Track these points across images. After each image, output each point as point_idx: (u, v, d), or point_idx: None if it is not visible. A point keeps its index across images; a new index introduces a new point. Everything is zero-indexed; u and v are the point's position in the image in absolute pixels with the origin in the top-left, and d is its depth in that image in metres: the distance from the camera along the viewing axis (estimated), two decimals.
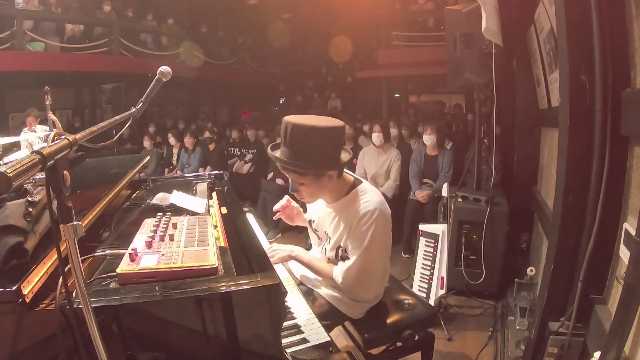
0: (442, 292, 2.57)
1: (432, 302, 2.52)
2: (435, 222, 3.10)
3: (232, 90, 11.10)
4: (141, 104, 1.23)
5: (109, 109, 4.19)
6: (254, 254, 1.19)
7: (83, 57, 6.82)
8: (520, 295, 2.45)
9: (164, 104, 9.87)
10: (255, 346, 0.99)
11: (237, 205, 1.74)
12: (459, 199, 2.97)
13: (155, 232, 1.15)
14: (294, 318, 1.31)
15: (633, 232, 1.20)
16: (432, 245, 2.65)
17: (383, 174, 4.01)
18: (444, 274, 2.57)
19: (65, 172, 0.70)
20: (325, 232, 1.58)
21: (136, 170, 1.99)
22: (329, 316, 1.51)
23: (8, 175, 0.55)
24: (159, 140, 6.50)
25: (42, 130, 4.23)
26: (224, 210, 1.64)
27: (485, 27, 2.34)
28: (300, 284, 1.67)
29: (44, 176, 0.68)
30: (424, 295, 2.58)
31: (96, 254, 1.13)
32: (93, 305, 0.76)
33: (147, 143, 5.58)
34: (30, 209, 1.02)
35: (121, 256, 1.01)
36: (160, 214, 1.33)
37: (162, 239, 1.12)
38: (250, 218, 2.02)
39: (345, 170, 1.50)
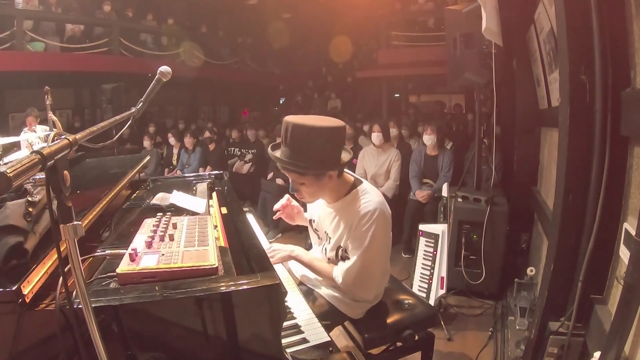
0: (442, 292, 2.57)
1: (432, 302, 2.52)
2: (435, 222, 3.10)
3: (232, 90, 11.10)
4: (141, 104, 1.23)
5: (109, 109, 4.18)
6: (254, 254, 1.19)
7: (83, 57, 6.82)
8: (520, 295, 2.45)
9: (164, 104, 9.87)
10: (255, 346, 0.99)
11: (237, 205, 1.74)
12: (459, 199, 2.97)
13: (155, 232, 1.15)
14: (294, 318, 1.31)
15: (633, 232, 1.20)
16: (432, 245, 2.65)
17: (383, 174, 4.01)
18: (444, 274, 2.57)
19: (65, 172, 0.70)
20: (325, 232, 1.58)
21: (136, 170, 1.99)
22: (329, 316, 1.51)
23: (8, 175, 0.55)
24: (159, 140, 6.50)
25: (42, 130, 4.23)
26: (224, 210, 1.64)
27: (485, 27, 2.34)
28: (300, 284, 1.67)
29: (44, 176, 0.68)
30: (424, 295, 2.58)
31: (96, 254, 1.13)
32: (93, 305, 0.76)
33: (147, 143, 5.58)
34: (30, 209, 1.02)
35: (121, 256, 1.01)
36: (160, 214, 1.33)
37: (162, 239, 1.12)
38: (250, 218, 2.02)
39: (345, 170, 1.50)
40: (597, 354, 1.26)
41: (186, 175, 3.15)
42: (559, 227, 1.68)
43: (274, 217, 1.78)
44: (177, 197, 1.61)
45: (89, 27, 7.33)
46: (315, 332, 1.23)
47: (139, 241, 1.10)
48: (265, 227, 4.29)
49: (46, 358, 0.89)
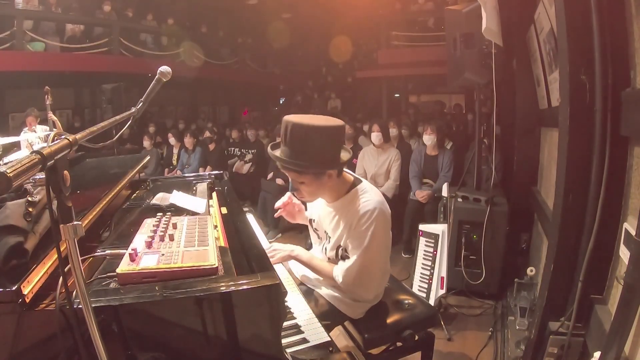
0: (442, 292, 2.57)
1: (432, 302, 2.52)
2: (435, 222, 3.10)
3: (232, 90, 11.10)
4: (141, 104, 1.23)
5: (109, 109, 4.19)
6: (254, 254, 1.19)
7: (83, 57, 6.82)
8: (520, 295, 2.45)
9: (164, 104, 9.87)
10: (255, 346, 0.99)
11: (237, 205, 1.74)
12: (459, 199, 2.97)
13: (155, 232, 1.15)
14: (294, 318, 1.31)
15: (633, 232, 1.20)
16: (432, 245, 2.65)
17: (383, 174, 4.01)
18: (444, 274, 2.57)
19: (65, 172, 0.70)
20: (325, 231, 1.59)
21: (136, 170, 1.99)
22: (329, 316, 1.51)
23: (8, 175, 0.55)
24: (159, 140, 6.51)
25: (42, 130, 4.23)
26: (224, 210, 1.64)
27: (485, 27, 2.34)
28: (300, 284, 1.67)
29: (44, 176, 0.68)
30: (424, 295, 2.58)
31: (96, 254, 1.13)
32: (93, 305, 0.76)
33: (146, 143, 5.58)
34: (30, 209, 1.02)
35: (121, 256, 1.01)
36: (160, 214, 1.33)
37: (162, 239, 1.12)
38: (250, 218, 2.02)
39: (345, 169, 1.51)
40: (597, 354, 1.26)
41: (186, 175, 3.15)
42: (559, 227, 1.68)
43: (275, 215, 1.78)
44: (177, 197, 1.61)
45: (89, 27, 7.33)
46: (315, 332, 1.23)
47: (139, 241, 1.10)
48: (265, 227, 4.29)
49: (46, 358, 0.89)
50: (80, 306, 0.75)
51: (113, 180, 1.62)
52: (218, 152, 5.69)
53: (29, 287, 0.86)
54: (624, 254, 1.29)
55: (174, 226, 1.22)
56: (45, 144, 0.67)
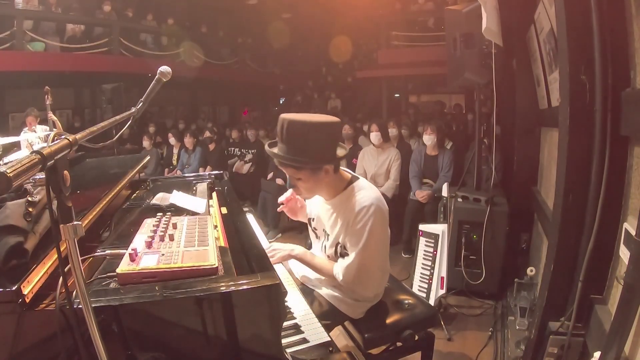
0: (442, 292, 2.57)
1: (432, 302, 2.52)
2: (435, 222, 3.10)
3: (232, 90, 11.10)
4: (141, 104, 1.23)
5: (109, 109, 4.18)
6: (254, 254, 1.19)
7: (83, 57, 6.82)
8: (520, 295, 2.45)
9: (164, 104, 9.87)
10: (255, 346, 0.99)
11: (237, 205, 1.74)
12: (459, 199, 2.97)
13: (155, 232, 1.15)
14: (294, 318, 1.31)
15: (633, 232, 1.20)
16: (432, 245, 2.65)
17: (383, 174, 4.01)
18: (444, 274, 2.57)
19: (65, 172, 0.70)
20: (323, 229, 1.59)
21: (136, 170, 1.99)
22: (329, 316, 1.51)
23: (8, 175, 0.55)
24: (159, 140, 6.51)
25: (42, 130, 4.23)
26: (224, 210, 1.64)
27: (485, 27, 2.34)
28: (300, 284, 1.67)
29: (44, 176, 0.68)
30: (424, 295, 2.58)
31: (96, 254, 1.13)
32: (93, 305, 0.76)
33: (146, 143, 5.58)
34: (30, 209, 1.02)
35: (121, 256, 1.01)
36: (160, 214, 1.33)
37: (162, 239, 1.12)
38: (250, 218, 2.02)
39: (343, 168, 1.52)
40: (597, 354, 1.26)
41: (186, 175, 3.15)
42: (559, 227, 1.68)
43: (278, 210, 1.79)
44: (177, 197, 1.61)
45: (89, 27, 7.33)
46: (315, 332, 1.23)
47: (139, 241, 1.10)
48: (265, 227, 4.29)
49: (46, 358, 0.89)
50: (80, 306, 0.75)
51: (113, 180, 1.62)
52: (218, 152, 5.69)
53: (29, 287, 0.86)
54: (624, 254, 1.29)
55: (174, 226, 1.22)
56: (45, 144, 0.67)
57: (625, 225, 1.32)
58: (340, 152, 1.43)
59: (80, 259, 0.73)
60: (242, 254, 1.20)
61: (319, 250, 1.65)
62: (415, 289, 2.60)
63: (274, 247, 1.60)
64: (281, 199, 1.75)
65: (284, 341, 1.09)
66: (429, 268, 2.62)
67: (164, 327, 0.93)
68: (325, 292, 1.59)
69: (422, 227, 2.76)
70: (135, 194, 1.91)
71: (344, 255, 1.49)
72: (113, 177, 1.72)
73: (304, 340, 1.19)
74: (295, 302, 1.41)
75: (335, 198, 1.50)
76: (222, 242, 1.26)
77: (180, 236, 1.15)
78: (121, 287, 0.93)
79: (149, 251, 1.04)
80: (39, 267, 0.92)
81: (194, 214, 1.49)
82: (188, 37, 8.54)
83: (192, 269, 0.97)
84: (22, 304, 0.84)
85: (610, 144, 1.45)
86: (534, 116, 3.13)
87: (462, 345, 2.41)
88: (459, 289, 2.91)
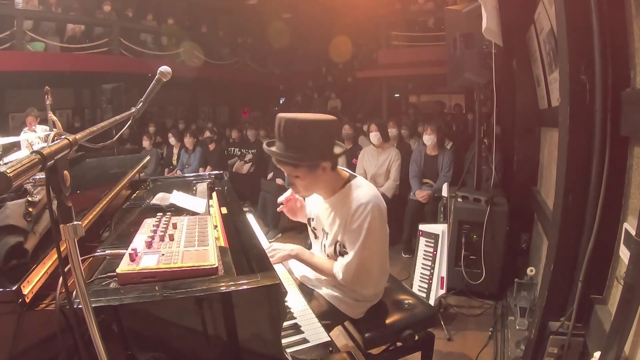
0: (442, 292, 2.57)
1: (432, 302, 2.52)
2: (435, 222, 3.10)
3: (232, 90, 11.10)
4: (141, 104, 1.23)
5: (109, 109, 4.18)
6: (254, 254, 1.19)
7: (83, 57, 6.82)
8: (520, 295, 2.45)
9: (164, 104, 9.87)
10: (255, 346, 0.99)
11: (237, 205, 1.74)
12: (459, 199, 2.97)
13: (155, 232, 1.15)
14: (294, 318, 1.31)
15: (633, 232, 1.20)
16: (432, 245, 2.65)
17: (383, 174, 4.01)
18: (444, 274, 2.57)
19: (65, 172, 0.70)
20: (322, 228, 1.59)
21: (136, 170, 1.99)
22: (329, 316, 1.51)
23: (8, 175, 0.55)
24: (159, 140, 6.51)
25: (42, 130, 4.23)
26: (224, 210, 1.64)
27: (486, 27, 2.34)
28: (300, 284, 1.67)
29: (44, 176, 0.68)
30: (424, 295, 2.58)
31: (96, 254, 1.13)
32: (93, 305, 0.76)
33: (146, 143, 5.58)
34: (30, 209, 1.02)
35: (121, 256, 1.01)
36: (160, 214, 1.33)
37: (162, 239, 1.12)
38: (250, 218, 2.02)
39: (341, 167, 1.52)
40: (597, 354, 1.26)
41: (186, 175, 3.15)
42: (559, 227, 1.68)
43: (278, 210, 1.80)
44: (177, 197, 1.61)
45: (89, 27, 7.33)
46: (315, 332, 1.23)
47: (139, 241, 1.10)
48: (265, 227, 4.29)
49: (46, 358, 0.89)
50: (80, 306, 0.75)
51: (113, 180, 1.62)
52: (218, 152, 5.69)
53: (29, 287, 0.86)
54: (624, 254, 1.29)
55: (174, 226, 1.22)
56: (45, 144, 0.67)
57: (625, 225, 1.32)
58: (338, 150, 1.44)
59: (80, 259, 0.73)
60: (242, 254, 1.20)
61: (318, 249, 1.65)
62: (415, 289, 2.60)
63: (274, 247, 1.60)
64: (281, 199, 1.75)
65: (284, 341, 1.09)
66: (429, 268, 2.62)
67: (164, 327, 0.93)
68: (325, 291, 1.59)
69: (422, 227, 2.76)
70: (135, 194, 1.91)
71: (343, 253, 1.49)
72: (113, 177, 1.72)
73: (304, 340, 1.19)
74: (295, 302, 1.41)
75: (333, 196, 1.50)
76: (222, 242, 1.26)
77: (180, 236, 1.15)
78: (121, 287, 0.93)
79: (149, 251, 1.04)
80: (39, 267, 0.92)
81: (194, 214, 1.49)
82: (188, 37, 8.54)
83: (192, 269, 0.97)
84: (22, 304, 0.84)
85: (610, 144, 1.45)
86: (534, 116, 3.13)
87: (462, 345, 2.41)
88: (459, 289, 2.91)
